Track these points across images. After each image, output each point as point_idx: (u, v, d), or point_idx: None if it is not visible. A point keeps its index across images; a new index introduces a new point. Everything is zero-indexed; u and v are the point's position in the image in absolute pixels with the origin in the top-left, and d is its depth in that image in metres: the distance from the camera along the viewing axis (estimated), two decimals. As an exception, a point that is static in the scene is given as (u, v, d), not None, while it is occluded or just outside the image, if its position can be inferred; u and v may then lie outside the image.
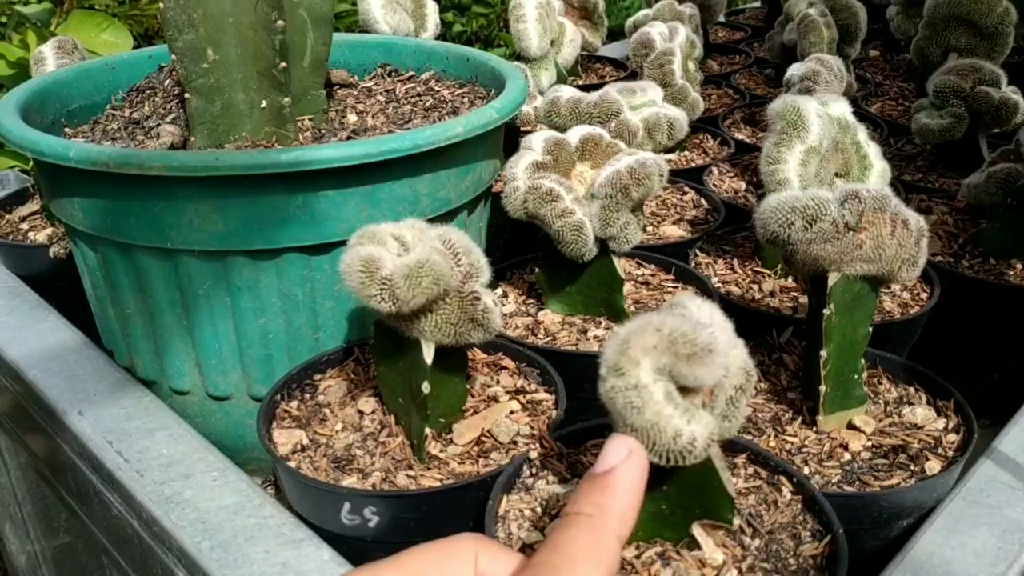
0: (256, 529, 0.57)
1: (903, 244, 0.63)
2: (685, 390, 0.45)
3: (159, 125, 0.79)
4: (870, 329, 0.67)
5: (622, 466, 0.41)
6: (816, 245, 0.63)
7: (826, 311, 0.64)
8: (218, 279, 0.65)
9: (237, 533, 0.57)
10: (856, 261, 0.63)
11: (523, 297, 0.82)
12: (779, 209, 0.63)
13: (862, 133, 0.86)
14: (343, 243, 0.58)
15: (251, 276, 0.65)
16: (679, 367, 0.44)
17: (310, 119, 0.80)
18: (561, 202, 0.71)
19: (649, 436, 0.43)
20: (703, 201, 1.01)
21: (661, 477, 0.49)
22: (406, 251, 0.56)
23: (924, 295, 0.84)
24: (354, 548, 0.56)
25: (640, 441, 0.44)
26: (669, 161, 1.14)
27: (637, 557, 0.50)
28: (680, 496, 0.50)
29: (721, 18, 1.82)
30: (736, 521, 0.52)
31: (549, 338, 0.75)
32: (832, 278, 0.64)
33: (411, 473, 0.58)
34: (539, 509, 0.54)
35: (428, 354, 0.56)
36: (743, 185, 1.06)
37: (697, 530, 0.50)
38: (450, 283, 0.54)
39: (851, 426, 0.68)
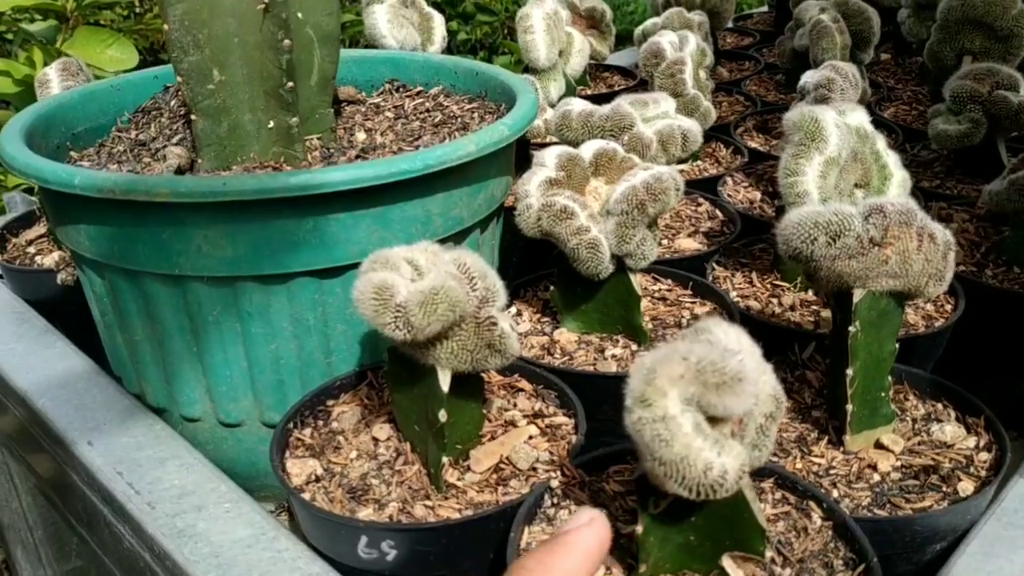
0: (271, 563, 0.55)
1: (930, 259, 0.61)
2: (713, 419, 0.44)
3: (165, 147, 0.77)
4: (896, 345, 0.65)
5: (577, 530, 0.39)
6: (840, 261, 0.61)
7: (851, 328, 0.62)
8: (228, 305, 0.64)
9: (252, 567, 0.55)
10: (882, 277, 0.61)
11: (538, 315, 0.80)
12: (802, 225, 0.61)
13: (881, 142, 0.84)
14: (355, 266, 0.57)
15: (261, 301, 0.64)
16: (708, 397, 0.42)
17: (318, 138, 0.79)
18: (576, 219, 0.70)
19: (678, 470, 0.42)
20: (718, 212, 1.00)
21: (690, 508, 0.47)
22: (420, 276, 0.55)
23: (948, 307, 0.82)
24: (370, 582, 0.55)
25: (668, 475, 0.42)
26: (682, 171, 1.12)
27: (665, 590, 0.49)
28: (709, 527, 0.48)
29: (729, 23, 1.81)
30: (768, 553, 0.50)
31: (566, 358, 0.74)
32: (857, 295, 0.62)
33: (428, 503, 0.56)
34: (562, 541, 0.52)
35: (444, 382, 0.55)
36: (758, 195, 1.04)
37: (727, 562, 0.49)
38: (466, 309, 0.52)
39: (879, 445, 0.66)
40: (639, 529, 0.47)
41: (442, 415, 0.55)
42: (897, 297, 0.63)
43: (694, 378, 0.42)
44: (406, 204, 0.65)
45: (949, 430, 0.67)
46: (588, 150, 0.75)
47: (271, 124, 0.74)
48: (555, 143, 0.83)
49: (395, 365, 0.59)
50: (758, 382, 0.45)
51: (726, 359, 0.43)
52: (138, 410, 0.71)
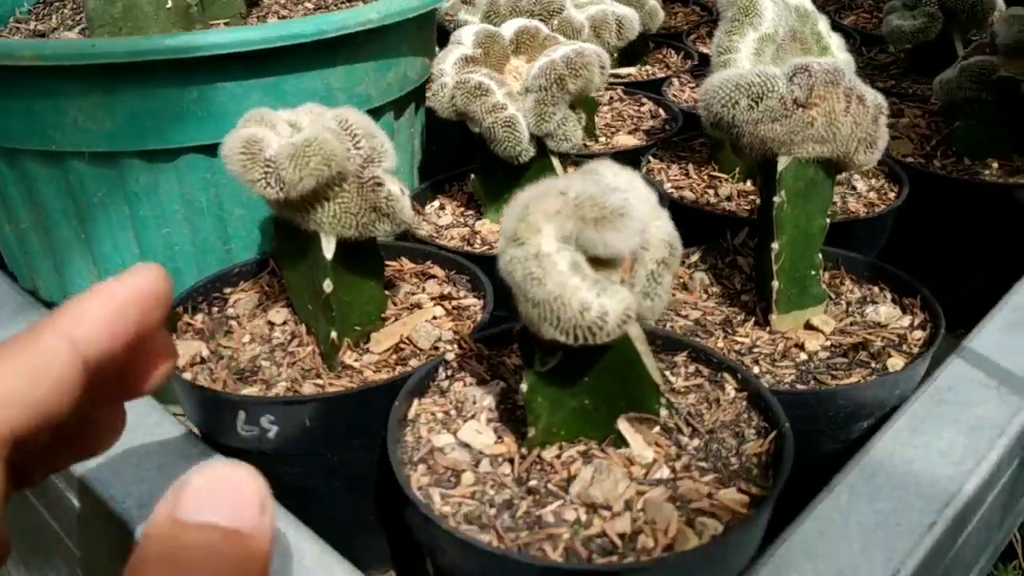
0: (149, 448, 0.52)
1: (859, 122, 0.58)
2: (600, 264, 0.40)
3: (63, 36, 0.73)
4: (827, 221, 0.62)
5: (113, 278, 0.32)
6: (763, 125, 0.57)
7: (776, 199, 0.59)
8: (113, 185, 0.60)
9: (130, 453, 0.52)
10: (808, 142, 0.57)
11: (461, 208, 0.77)
12: (722, 87, 0.58)
13: (823, 24, 0.80)
14: (248, 142, 0.53)
15: (148, 181, 0.60)
16: (587, 233, 0.39)
17: (225, 23, 0.74)
18: (491, 96, 0.66)
19: (552, 310, 0.38)
20: (661, 111, 0.95)
21: (580, 368, 0.44)
22: (303, 137, 0.51)
23: (892, 195, 0.79)
24: (253, 462, 0.51)
25: (543, 317, 0.39)
26: (628, 75, 1.08)
27: (558, 457, 0.45)
28: (601, 387, 0.45)
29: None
30: (668, 418, 0.47)
31: (486, 247, 0.70)
32: (782, 162, 0.58)
33: (319, 382, 0.53)
34: (454, 412, 0.49)
35: (328, 248, 0.51)
36: (705, 95, 1.00)
37: (623, 425, 0.46)
38: (345, 165, 0.48)
39: (809, 326, 0.63)
40: (523, 387, 0.43)
41: (327, 285, 0.51)
42: (826, 166, 0.60)
43: (571, 213, 0.39)
44: (303, 75, 0.60)
45: (884, 311, 0.64)
46: (509, 28, 0.71)
47: (169, 4, 0.69)
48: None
49: (282, 237, 0.55)
50: (647, 222, 0.41)
51: (607, 194, 0.39)
52: (31, 306, 0.67)
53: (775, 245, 0.60)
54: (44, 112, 0.57)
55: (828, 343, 0.61)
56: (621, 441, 0.46)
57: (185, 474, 0.26)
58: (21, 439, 0.28)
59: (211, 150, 0.60)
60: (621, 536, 0.41)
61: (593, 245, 0.39)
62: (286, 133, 0.50)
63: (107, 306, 0.31)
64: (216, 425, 0.51)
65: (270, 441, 0.50)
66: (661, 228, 0.43)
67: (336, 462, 0.52)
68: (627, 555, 0.40)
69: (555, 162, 0.70)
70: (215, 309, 0.61)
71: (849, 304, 0.65)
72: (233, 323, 0.59)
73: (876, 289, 0.67)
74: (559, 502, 0.43)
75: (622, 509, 0.42)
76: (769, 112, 0.57)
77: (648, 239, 0.42)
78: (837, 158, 0.59)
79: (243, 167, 0.47)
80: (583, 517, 0.42)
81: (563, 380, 0.44)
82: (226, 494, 0.26)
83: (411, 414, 0.48)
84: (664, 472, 0.45)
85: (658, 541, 0.40)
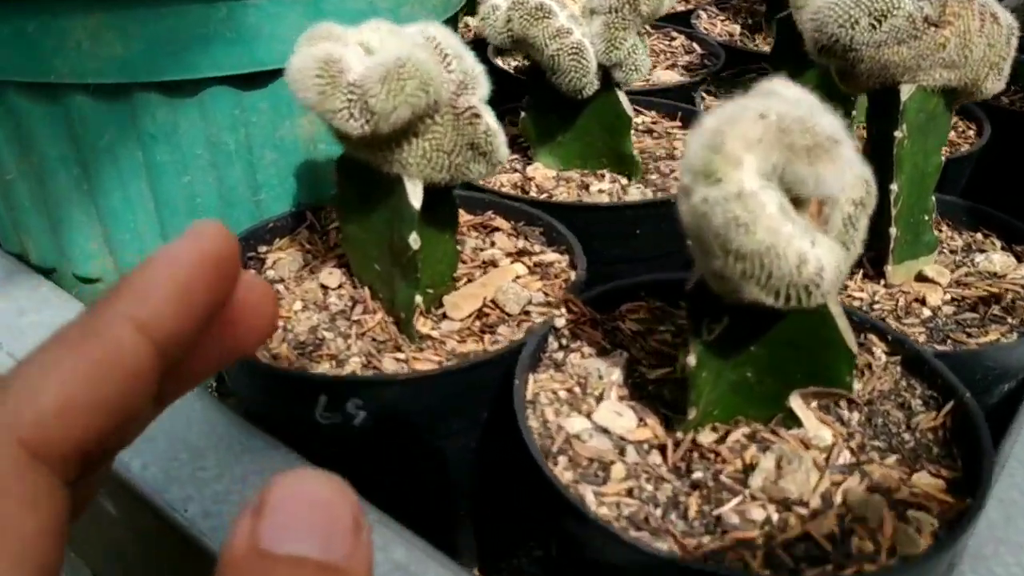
0: (202, 440, 0.43)
1: (992, 43, 0.51)
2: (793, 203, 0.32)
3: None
4: (943, 159, 0.55)
5: (172, 244, 0.25)
6: (887, 48, 0.50)
7: (898, 133, 0.52)
8: (123, 125, 0.50)
9: (176, 438, 0.43)
10: (936, 67, 0.50)
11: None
12: (839, 5, 0.50)
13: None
14: (282, 73, 0.43)
15: (167, 119, 0.50)
16: (796, 166, 0.31)
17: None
18: (554, 20, 0.57)
19: (763, 264, 0.30)
20: (695, 46, 0.88)
21: (748, 335, 0.36)
22: (375, 61, 0.41)
23: (971, 132, 0.72)
24: (331, 453, 0.42)
25: (749, 273, 0.31)
26: (648, 9, 0.99)
27: (720, 441, 0.38)
28: (773, 358, 0.37)
29: None
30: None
31: (544, 196, 0.62)
32: (905, 91, 0.51)
33: (400, 356, 0.44)
34: (577, 389, 0.41)
35: (415, 195, 0.42)
36: (738, 28, 0.92)
37: (796, 402, 0.38)
38: (440, 92, 0.39)
39: (921, 278, 0.56)
40: (691, 361, 0.36)
41: (413, 240, 0.42)
42: (948, 97, 0.52)
43: (776, 141, 0.31)
44: (346, -8, 0.51)
45: (997, 259, 0.58)
46: (563, -56, 0.62)
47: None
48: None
49: (346, 183, 0.46)
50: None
51: (816, 116, 0.31)
52: (19, 271, 0.56)
53: (894, 187, 0.53)
54: (39, 35, 0.47)
55: (948, 296, 0.54)
56: (791, 420, 0.38)
57: (264, 489, 0.19)
58: (89, 452, 0.20)
59: (241, 81, 0.50)
60: (829, 538, 0.33)
61: (802, 182, 0.31)
62: (359, 54, 0.41)
63: (173, 278, 0.23)
64: (284, 411, 0.43)
65: (354, 429, 0.41)
66: (854, 163, 0.35)
67: (430, 450, 0.43)
68: (845, 564, 0.32)
69: (621, 97, 0.61)
70: (252, 272, 0.51)
71: (954, 252, 0.59)
72: (280, 288, 0.50)
73: (979, 236, 0.60)
74: (738, 498, 0.35)
75: (820, 505, 0.35)
76: (895, 32, 0.49)
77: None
78: (964, 86, 0.52)
79: (321, 94, 0.38)
80: (774, 516, 0.34)
81: (725, 350, 0.37)
82: (315, 517, 0.19)
83: (528, 393, 0.40)
84: (846, 456, 0.38)
85: (879, 544, 0.33)
